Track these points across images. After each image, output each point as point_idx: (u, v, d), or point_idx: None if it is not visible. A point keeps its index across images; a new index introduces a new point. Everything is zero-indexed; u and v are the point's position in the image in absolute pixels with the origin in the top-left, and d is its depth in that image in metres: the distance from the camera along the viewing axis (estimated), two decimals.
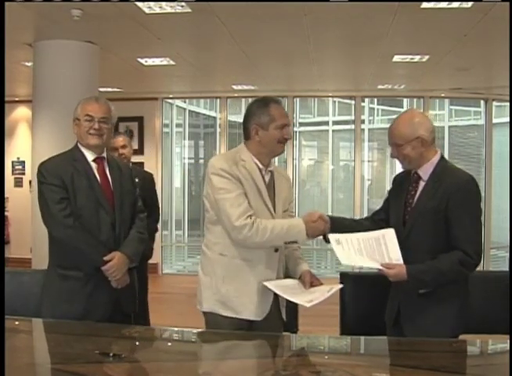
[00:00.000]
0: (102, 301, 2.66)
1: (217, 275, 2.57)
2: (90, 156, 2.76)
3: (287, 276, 2.69)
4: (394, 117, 2.66)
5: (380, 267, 2.40)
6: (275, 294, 2.58)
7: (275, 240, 2.52)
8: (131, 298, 2.86)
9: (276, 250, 2.57)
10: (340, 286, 2.53)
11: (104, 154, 2.81)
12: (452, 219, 2.43)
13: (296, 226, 2.52)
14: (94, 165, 2.76)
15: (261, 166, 2.62)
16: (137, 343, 2.30)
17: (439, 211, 2.44)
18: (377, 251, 2.44)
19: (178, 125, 9.67)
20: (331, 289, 2.48)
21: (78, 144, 2.79)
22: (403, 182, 2.66)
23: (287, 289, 2.52)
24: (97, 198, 2.70)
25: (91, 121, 2.72)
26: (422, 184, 2.54)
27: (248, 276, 2.54)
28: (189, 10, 4.49)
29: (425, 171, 2.53)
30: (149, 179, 4.57)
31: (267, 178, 2.64)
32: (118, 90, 8.04)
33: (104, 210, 2.70)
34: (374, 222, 2.70)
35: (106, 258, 2.63)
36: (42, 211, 2.70)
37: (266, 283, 2.51)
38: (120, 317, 2.67)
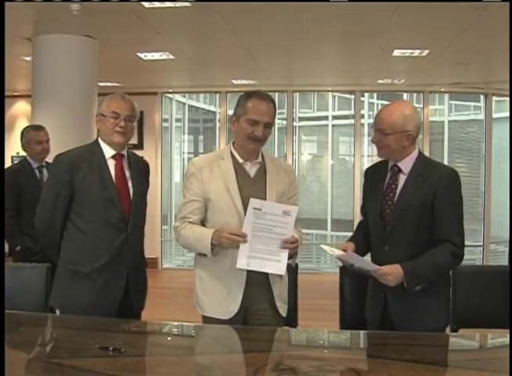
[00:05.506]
0: (110, 298, 2.63)
1: (195, 274, 2.63)
2: (109, 152, 2.69)
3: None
4: None
5: (377, 266, 2.37)
6: (270, 290, 2.55)
7: (190, 248, 2.61)
8: (141, 296, 2.82)
9: None
10: None
11: (124, 151, 2.75)
12: (438, 212, 2.41)
13: (204, 239, 2.45)
14: (112, 161, 2.70)
15: (240, 160, 2.55)
16: (137, 337, 2.31)
17: (425, 204, 2.42)
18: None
19: (177, 120, 9.65)
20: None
21: (99, 139, 2.73)
22: (376, 175, 2.63)
23: None
24: (108, 196, 2.62)
25: (117, 118, 2.65)
26: (403, 178, 2.50)
27: (216, 276, 2.53)
28: (189, 4, 4.48)
29: (406, 165, 2.50)
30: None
31: (253, 171, 2.56)
32: (117, 85, 8.01)
33: (115, 208, 2.62)
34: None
35: None
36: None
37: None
38: (128, 314, 2.65)
